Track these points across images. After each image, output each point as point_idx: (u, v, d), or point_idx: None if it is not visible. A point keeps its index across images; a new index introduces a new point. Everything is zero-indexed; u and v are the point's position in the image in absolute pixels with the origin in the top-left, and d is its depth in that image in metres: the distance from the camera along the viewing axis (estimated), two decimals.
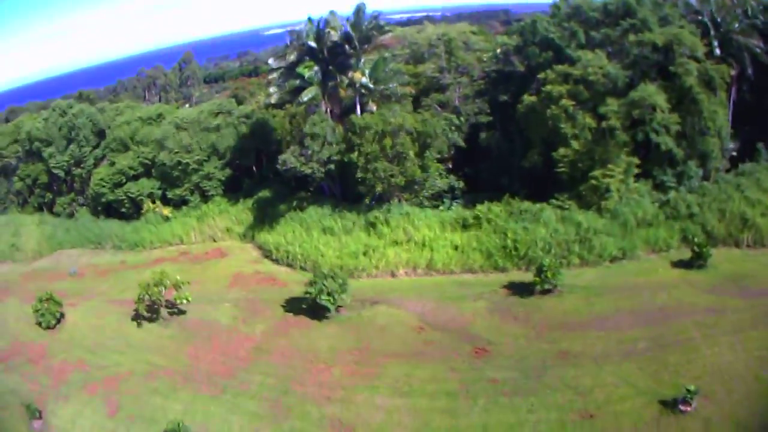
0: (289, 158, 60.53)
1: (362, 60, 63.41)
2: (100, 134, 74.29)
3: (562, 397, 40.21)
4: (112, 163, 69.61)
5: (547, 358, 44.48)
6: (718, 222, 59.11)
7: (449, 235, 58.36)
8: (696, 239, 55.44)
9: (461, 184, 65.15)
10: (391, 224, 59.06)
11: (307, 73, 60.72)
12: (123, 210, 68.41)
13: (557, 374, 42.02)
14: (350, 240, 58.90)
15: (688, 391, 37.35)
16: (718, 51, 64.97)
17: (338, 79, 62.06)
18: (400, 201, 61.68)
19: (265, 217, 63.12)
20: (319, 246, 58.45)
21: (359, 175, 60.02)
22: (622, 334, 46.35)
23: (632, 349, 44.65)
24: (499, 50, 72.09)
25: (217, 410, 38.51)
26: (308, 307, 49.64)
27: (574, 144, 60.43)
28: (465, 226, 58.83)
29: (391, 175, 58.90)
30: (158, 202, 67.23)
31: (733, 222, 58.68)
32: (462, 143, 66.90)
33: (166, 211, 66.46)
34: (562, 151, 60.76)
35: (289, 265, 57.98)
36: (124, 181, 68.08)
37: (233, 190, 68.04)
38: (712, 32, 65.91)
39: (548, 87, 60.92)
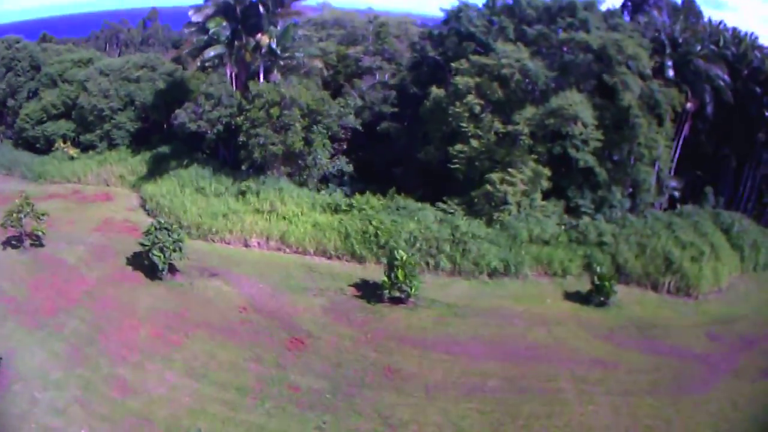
0: (181, 113, 48.28)
1: (280, 26, 48.32)
2: (37, 69, 64.33)
3: (366, 423, 27.73)
4: (40, 99, 60.17)
5: (368, 370, 30.68)
6: (635, 258, 41.53)
7: (315, 214, 42.67)
8: (600, 268, 38.55)
9: (350, 168, 48.97)
10: (261, 196, 43.99)
11: (213, 28, 46.29)
12: (38, 145, 59.03)
13: (372, 396, 29.20)
14: (217, 202, 44.56)
15: None
16: (671, 73, 47.53)
17: (244, 41, 47.14)
18: (280, 176, 46.27)
19: (156, 170, 50.71)
20: (186, 202, 44.80)
21: (241, 138, 45.15)
22: (471, 364, 31.66)
23: (478, 384, 30.28)
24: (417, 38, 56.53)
25: (29, 343, 31.47)
26: (148, 264, 37.40)
27: (474, 142, 43.37)
28: (336, 211, 42.85)
29: (272, 143, 43.82)
30: (68, 143, 57.20)
31: (654, 262, 41.23)
32: (358, 126, 50.45)
33: (73, 151, 56.38)
34: (458, 146, 43.76)
35: (155, 217, 44.13)
36: (46, 118, 58.66)
37: (142, 143, 56.13)
38: (668, 50, 48.88)
39: (458, 79, 44.07)
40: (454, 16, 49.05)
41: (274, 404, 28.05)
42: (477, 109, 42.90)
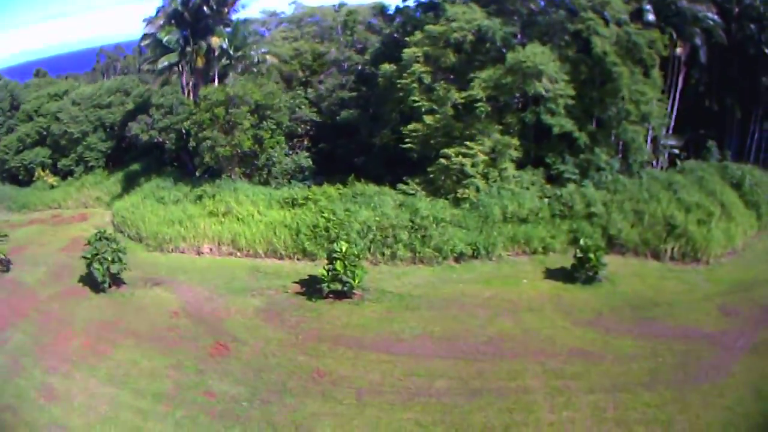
0: (133, 125, 43.52)
1: (236, 24, 42.46)
2: (18, 107, 60.00)
3: None
4: (16, 131, 56.65)
5: (293, 375, 24.33)
6: (631, 227, 33.18)
7: (272, 212, 36.14)
8: (588, 242, 30.04)
9: (309, 163, 41.99)
10: (216, 198, 38.10)
11: (165, 37, 40.71)
12: (20, 177, 55.87)
13: (293, 403, 22.89)
14: (175, 209, 38.99)
15: None
16: (651, 17, 38.27)
17: (196, 45, 41.10)
18: (233, 177, 40.11)
19: (127, 187, 46.09)
20: (145, 212, 39.61)
21: (191, 143, 39.56)
22: (416, 364, 24.46)
23: (422, 387, 23.07)
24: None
25: None
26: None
27: (428, 118, 35.96)
28: (293, 205, 36.14)
29: (221, 145, 37.65)
30: (47, 171, 53.86)
31: (654, 228, 32.82)
32: (313, 117, 43.75)
33: (52, 180, 52.97)
34: (411, 125, 36.54)
35: (120, 231, 40.28)
36: (22, 148, 55.17)
37: (117, 161, 51.90)
38: None
39: (406, 51, 36.59)
40: None
41: (186, 413, 22.95)
42: (427, 78, 34.92)
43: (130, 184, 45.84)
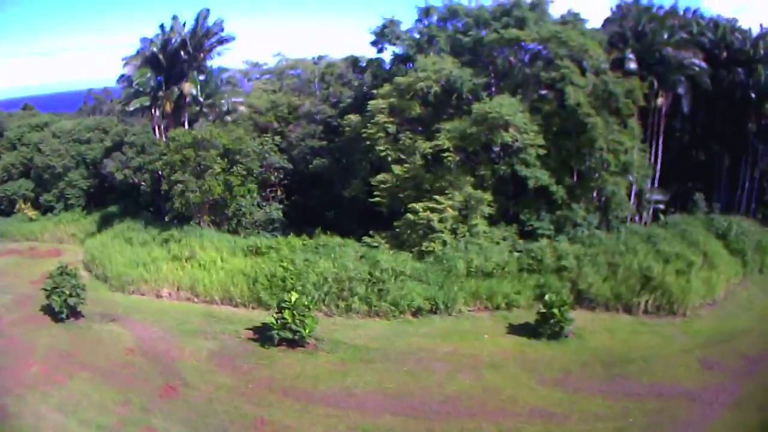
0: (108, 162, 45.05)
1: (209, 72, 43.62)
2: (2, 134, 62.18)
3: None
4: (1, 160, 58.35)
5: (236, 423, 23.81)
6: (603, 280, 32.30)
7: (235, 260, 35.98)
8: (553, 297, 29.27)
9: (280, 215, 41.86)
10: (182, 242, 38.29)
11: (137, 79, 41.76)
12: (2, 206, 57.29)
13: None
14: (141, 251, 39.32)
15: None
16: (633, 65, 37.78)
17: (168, 89, 41.90)
18: (201, 224, 40.31)
19: (102, 227, 46.77)
20: (113, 253, 40.08)
21: (163, 186, 39.90)
22: (364, 419, 23.62)
23: None
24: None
25: None
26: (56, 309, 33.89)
27: (396, 169, 35.83)
28: (256, 254, 35.99)
29: (191, 190, 37.86)
30: (29, 204, 55.14)
31: (628, 281, 31.94)
32: (284, 164, 43.86)
33: (32, 213, 54.33)
34: (380, 176, 36.40)
35: (89, 270, 41.10)
36: (7, 178, 56.94)
37: (98, 201, 52.62)
38: (631, 41, 39.01)
39: (371, 102, 36.71)
40: (380, 34, 41.30)
41: None
42: (391, 128, 34.90)
43: (104, 224, 46.52)
